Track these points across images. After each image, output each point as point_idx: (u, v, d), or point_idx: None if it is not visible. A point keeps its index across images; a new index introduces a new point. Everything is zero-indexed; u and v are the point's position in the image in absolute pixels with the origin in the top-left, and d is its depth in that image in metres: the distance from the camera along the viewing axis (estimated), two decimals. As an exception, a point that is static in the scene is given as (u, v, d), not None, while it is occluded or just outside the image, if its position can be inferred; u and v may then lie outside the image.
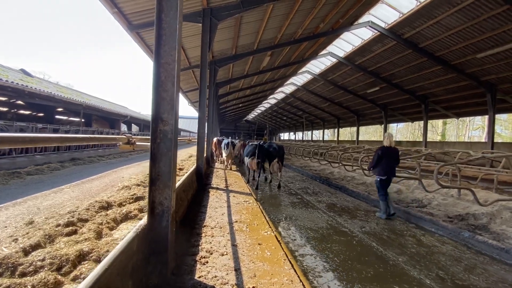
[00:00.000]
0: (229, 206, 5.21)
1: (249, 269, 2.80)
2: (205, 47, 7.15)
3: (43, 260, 2.32)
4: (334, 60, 17.83)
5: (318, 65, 20.25)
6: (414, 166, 9.79)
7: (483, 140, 25.36)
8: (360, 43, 15.02)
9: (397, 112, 21.64)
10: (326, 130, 34.26)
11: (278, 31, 10.95)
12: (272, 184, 8.91)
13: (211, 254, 3.14)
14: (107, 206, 4.07)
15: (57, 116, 15.78)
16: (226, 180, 8.42)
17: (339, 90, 22.09)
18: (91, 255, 2.52)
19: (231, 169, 11.08)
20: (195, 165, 7.59)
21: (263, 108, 40.81)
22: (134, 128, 26.13)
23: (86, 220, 3.38)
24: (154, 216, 2.56)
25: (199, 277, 2.59)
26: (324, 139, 33.47)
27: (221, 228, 4.00)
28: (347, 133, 37.60)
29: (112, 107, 17.21)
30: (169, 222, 2.62)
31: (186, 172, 8.17)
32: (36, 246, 2.55)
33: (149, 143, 2.55)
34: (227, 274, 2.67)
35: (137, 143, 2.56)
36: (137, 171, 8.51)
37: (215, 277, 2.60)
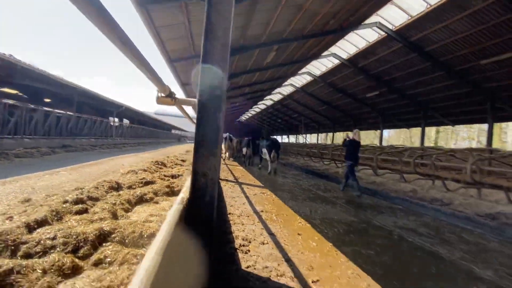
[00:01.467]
0: (247, 197, 4.73)
1: (301, 260, 2.35)
2: None
3: (53, 238, 1.78)
4: (337, 61, 17.74)
5: (319, 66, 20.13)
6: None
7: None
8: (365, 45, 14.95)
9: (395, 118, 21.79)
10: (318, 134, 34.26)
11: (288, 24, 10.62)
12: (277, 178, 8.52)
13: (250, 242, 2.66)
14: (117, 187, 3.52)
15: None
16: (232, 174, 7.92)
17: (337, 93, 22.03)
18: (113, 235, 1.99)
19: (229, 159, 10.78)
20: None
21: (257, 110, 40.42)
22: (125, 121, 25.04)
23: (97, 199, 2.83)
24: (196, 190, 2.07)
25: (247, 267, 2.11)
26: (318, 143, 33.46)
27: (248, 216, 3.53)
28: (340, 137, 37.90)
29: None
30: (214, 198, 2.13)
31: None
32: (42, 222, 2.00)
33: (193, 99, 2.08)
34: (279, 265, 2.20)
35: (179, 97, 2.07)
36: (137, 160, 7.86)
37: (266, 267, 2.13)
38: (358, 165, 7.18)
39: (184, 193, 2.12)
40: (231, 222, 3.19)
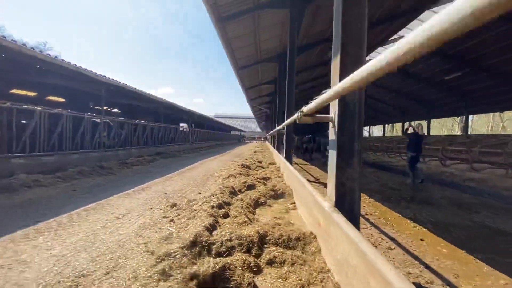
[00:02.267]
0: (341, 198, 4.79)
1: (441, 268, 2.32)
2: (293, 32, 6.91)
3: (230, 240, 2.17)
4: (406, 45, 16.07)
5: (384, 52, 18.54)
6: None
7: None
8: (443, 22, 13.18)
9: (481, 101, 18.67)
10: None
11: (355, 15, 10.11)
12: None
13: (376, 247, 2.75)
14: (234, 191, 3.99)
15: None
16: (309, 173, 8.04)
17: (407, 79, 19.99)
18: (268, 238, 2.32)
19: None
20: (282, 157, 7.34)
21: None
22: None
23: (229, 204, 3.28)
24: (336, 199, 2.26)
25: (390, 271, 2.21)
26: (391, 136, 30.87)
27: (356, 219, 3.60)
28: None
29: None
30: (353, 205, 2.28)
31: (269, 164, 8.01)
32: (213, 226, 2.45)
33: (329, 115, 2.27)
34: (421, 271, 2.23)
35: (316, 115, 2.28)
36: (219, 164, 8.67)
37: (410, 273, 2.19)
38: (420, 156, 7.27)
39: (331, 200, 2.31)
40: (344, 225, 3.31)
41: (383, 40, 15.02)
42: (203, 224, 2.36)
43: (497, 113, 26.95)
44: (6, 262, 1.95)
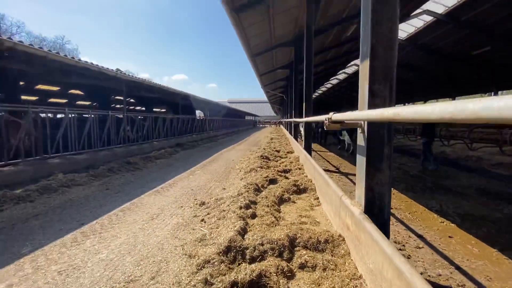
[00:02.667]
0: (363, 190, 4.78)
1: (473, 269, 2.33)
2: (310, 16, 6.67)
3: (261, 244, 2.27)
4: (430, 19, 15.05)
5: (405, 28, 17.46)
6: None
7: None
8: (473, -9, 12.13)
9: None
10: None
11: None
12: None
13: (404, 246, 2.78)
14: (257, 188, 4.09)
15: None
16: (328, 161, 8.00)
17: (430, 56, 18.85)
18: (297, 241, 2.41)
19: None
20: (301, 147, 7.32)
21: (329, 85, 38.27)
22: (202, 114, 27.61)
23: (255, 202, 3.39)
24: (366, 204, 2.28)
25: (420, 273, 2.24)
26: None
27: (380, 215, 3.62)
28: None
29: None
30: (383, 211, 2.29)
31: (288, 153, 8.03)
32: (244, 229, 2.57)
33: (359, 121, 2.24)
34: (451, 273, 2.25)
35: (345, 121, 2.26)
36: (238, 154, 8.81)
37: (440, 275, 2.22)
38: (433, 142, 7.48)
39: (360, 205, 2.34)
40: (369, 221, 3.34)
41: (405, 15, 14.09)
42: (235, 228, 2.47)
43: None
44: (62, 267, 2.17)
